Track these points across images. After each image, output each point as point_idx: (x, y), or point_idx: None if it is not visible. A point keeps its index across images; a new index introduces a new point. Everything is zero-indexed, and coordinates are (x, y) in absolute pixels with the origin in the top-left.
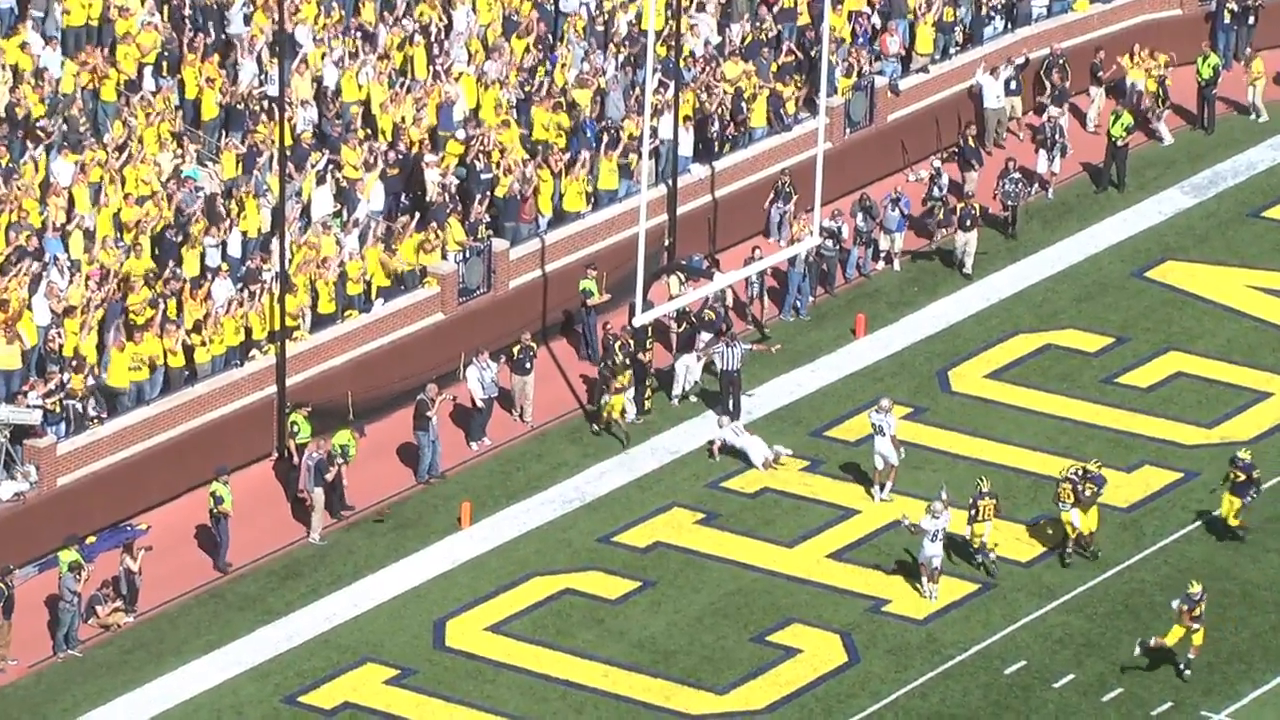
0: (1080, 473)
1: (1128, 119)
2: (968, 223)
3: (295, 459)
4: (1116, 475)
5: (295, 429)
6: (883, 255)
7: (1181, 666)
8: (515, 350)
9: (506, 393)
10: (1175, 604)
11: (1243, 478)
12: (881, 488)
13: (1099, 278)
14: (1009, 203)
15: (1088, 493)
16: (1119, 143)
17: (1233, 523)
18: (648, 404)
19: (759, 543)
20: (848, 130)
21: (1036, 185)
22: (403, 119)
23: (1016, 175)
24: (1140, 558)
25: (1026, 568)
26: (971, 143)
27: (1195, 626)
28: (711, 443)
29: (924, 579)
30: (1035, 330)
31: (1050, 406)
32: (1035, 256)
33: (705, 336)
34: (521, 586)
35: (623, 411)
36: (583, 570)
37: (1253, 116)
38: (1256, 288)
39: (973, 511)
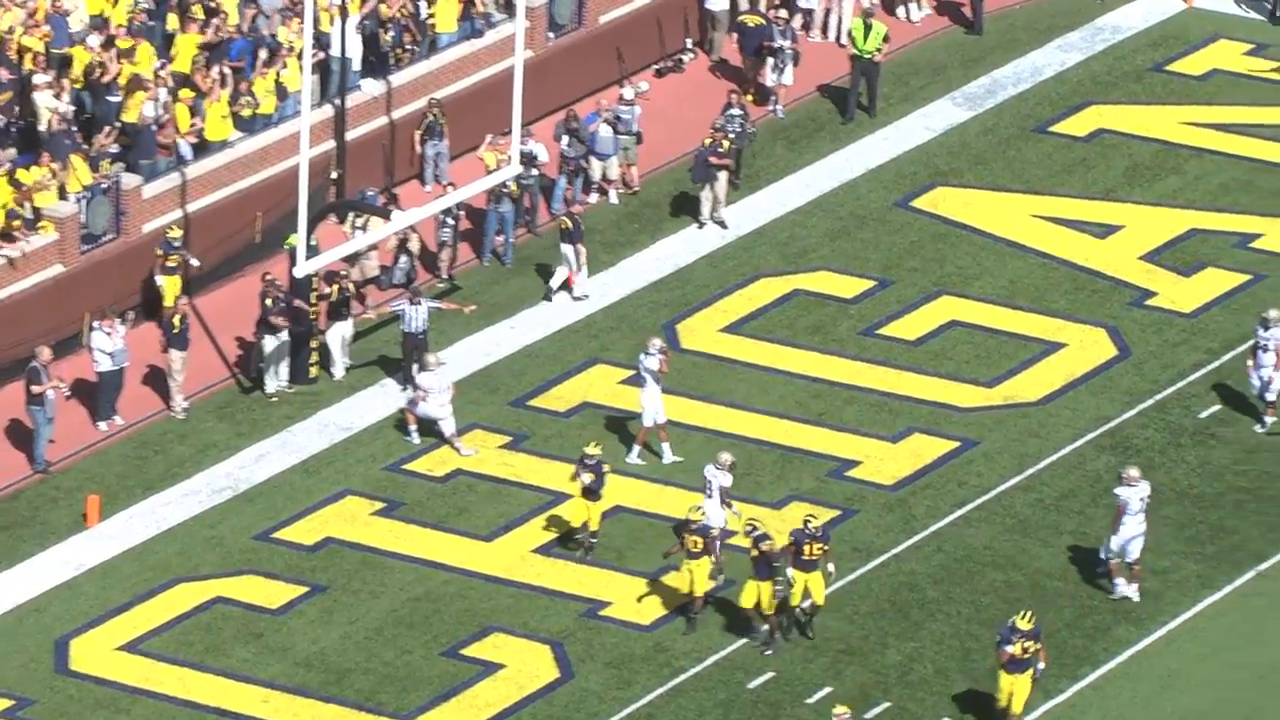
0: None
1: (881, 28)
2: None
3: None
4: (880, 446)
5: None
6: (595, 186)
7: None
8: (176, 320)
9: (158, 368)
10: None
11: (758, 552)
12: (634, 448)
13: (855, 209)
14: (731, 145)
15: (806, 555)
16: (873, 59)
17: (773, 603)
18: (313, 370)
19: (451, 536)
20: (551, 35)
21: (768, 111)
22: (9, 30)
23: (737, 112)
24: (910, 544)
25: None
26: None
27: None
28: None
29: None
30: (780, 273)
31: (800, 364)
32: (779, 185)
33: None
34: (161, 596)
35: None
36: (237, 574)
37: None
38: (1044, 217)
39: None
